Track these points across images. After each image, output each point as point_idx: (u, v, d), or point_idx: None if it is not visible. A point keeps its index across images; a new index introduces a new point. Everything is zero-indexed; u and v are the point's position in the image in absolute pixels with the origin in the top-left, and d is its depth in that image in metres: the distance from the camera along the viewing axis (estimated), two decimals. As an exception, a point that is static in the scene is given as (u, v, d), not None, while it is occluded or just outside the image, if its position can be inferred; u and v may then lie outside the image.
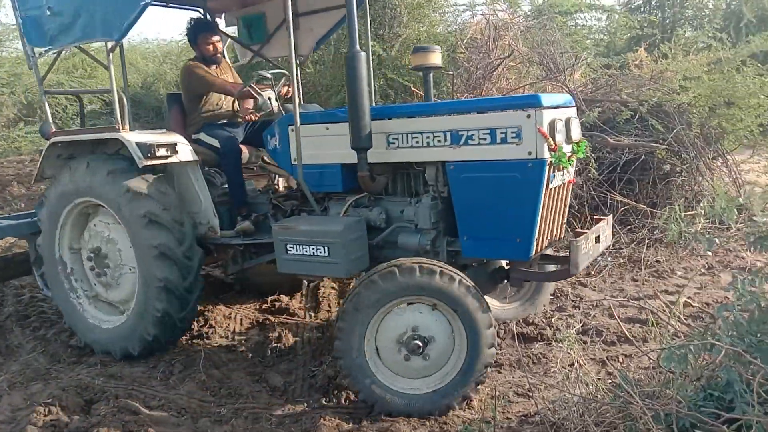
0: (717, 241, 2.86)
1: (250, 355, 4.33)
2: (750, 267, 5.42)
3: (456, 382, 3.28)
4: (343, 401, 3.55)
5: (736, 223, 4.07)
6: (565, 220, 3.80)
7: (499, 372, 3.93)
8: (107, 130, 4.29)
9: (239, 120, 4.88)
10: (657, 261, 5.80)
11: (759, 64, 7.44)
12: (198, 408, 3.55)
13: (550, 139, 3.22)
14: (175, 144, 4.24)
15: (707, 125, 6.93)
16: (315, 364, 4.01)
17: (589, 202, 6.37)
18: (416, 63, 4.01)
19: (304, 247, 3.72)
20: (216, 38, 4.84)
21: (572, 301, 4.95)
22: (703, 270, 5.64)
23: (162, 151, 4.11)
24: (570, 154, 3.46)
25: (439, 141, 3.52)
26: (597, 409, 2.68)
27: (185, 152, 4.29)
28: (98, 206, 4.39)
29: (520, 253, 3.40)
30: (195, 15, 5.38)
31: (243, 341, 4.56)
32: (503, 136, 3.30)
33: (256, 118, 4.63)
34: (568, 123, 3.43)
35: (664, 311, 3.28)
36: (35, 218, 4.94)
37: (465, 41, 8.63)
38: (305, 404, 3.56)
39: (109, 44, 4.13)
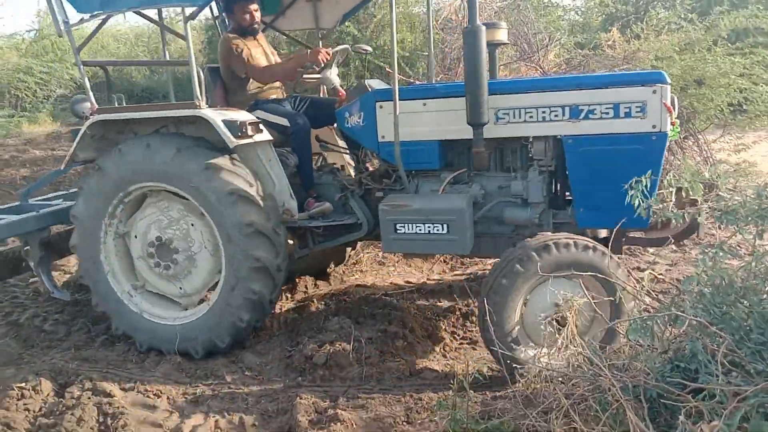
0: (686, 216, 2.91)
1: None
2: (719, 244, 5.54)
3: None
4: (318, 381, 3.57)
5: (706, 202, 4.17)
6: None
7: (474, 349, 3.99)
8: (182, 107, 3.95)
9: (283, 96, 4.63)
10: (621, 246, 5.87)
11: (729, 44, 7.55)
12: (174, 389, 3.54)
13: (672, 114, 3.38)
14: (258, 123, 4.01)
15: (679, 105, 7.02)
16: (291, 345, 4.02)
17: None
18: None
19: (418, 225, 3.68)
20: (254, 6, 4.40)
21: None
22: (674, 247, 5.74)
23: (250, 130, 3.87)
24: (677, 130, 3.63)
25: (555, 116, 3.59)
26: (567, 382, 2.73)
27: (265, 131, 4.06)
28: (150, 193, 4.07)
29: (641, 221, 3.37)
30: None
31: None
32: (627, 110, 3.43)
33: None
34: (674, 100, 3.53)
35: (634, 286, 3.37)
36: (33, 211, 4.51)
37: (440, 22, 8.61)
38: (281, 384, 3.58)
39: (188, 11, 3.77)
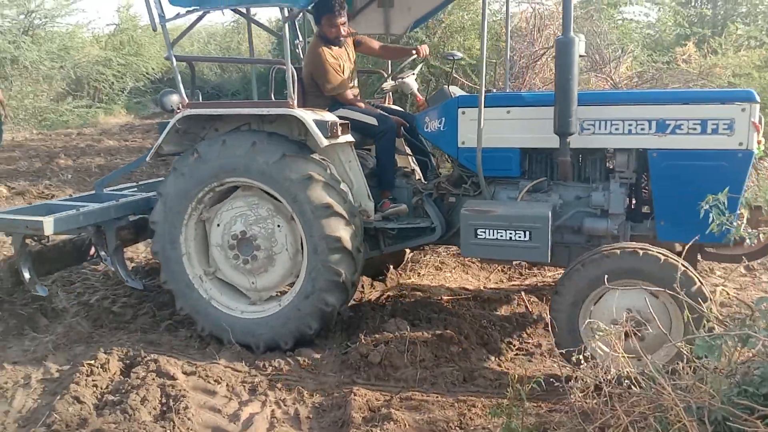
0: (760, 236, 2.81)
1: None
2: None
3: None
4: (373, 379, 3.61)
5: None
6: None
7: (530, 360, 3.94)
8: (274, 104, 4.08)
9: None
10: (697, 260, 5.69)
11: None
12: (233, 377, 3.64)
13: (760, 132, 3.42)
14: (347, 123, 4.08)
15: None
16: (347, 342, 4.08)
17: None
18: None
19: (500, 231, 3.71)
20: (341, 20, 4.43)
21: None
22: (743, 271, 5.53)
23: (339, 130, 3.95)
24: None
25: (642, 129, 3.65)
26: (628, 399, 2.67)
27: (348, 132, 4.13)
28: (238, 187, 4.16)
29: (720, 237, 3.29)
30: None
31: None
32: (714, 127, 3.48)
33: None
34: (761, 119, 3.57)
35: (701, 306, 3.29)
36: (112, 202, 4.62)
37: (510, 30, 8.55)
38: (336, 379, 3.63)
39: (288, 10, 3.89)
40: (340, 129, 3.94)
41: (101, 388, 3.46)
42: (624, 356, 2.93)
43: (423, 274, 5.47)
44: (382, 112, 4.47)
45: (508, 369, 3.80)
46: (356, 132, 4.27)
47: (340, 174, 4.09)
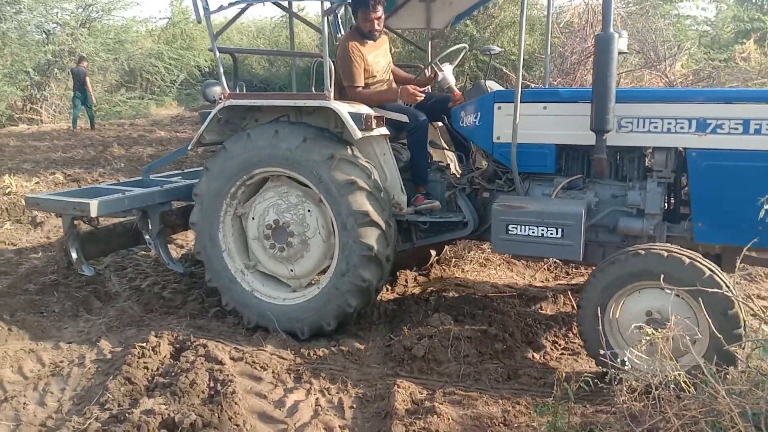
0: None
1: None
2: None
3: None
4: (416, 372, 3.61)
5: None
6: None
7: (576, 360, 3.88)
8: (312, 97, 4.16)
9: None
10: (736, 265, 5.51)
11: None
12: (278, 364, 3.70)
13: None
14: (381, 117, 4.11)
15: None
16: (391, 334, 4.09)
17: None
18: None
19: (531, 228, 3.70)
20: (377, 14, 4.37)
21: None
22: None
23: (374, 123, 4.00)
24: None
25: (681, 128, 3.58)
26: (678, 402, 2.61)
27: (383, 126, 4.17)
28: (272, 178, 4.26)
29: (763, 240, 3.28)
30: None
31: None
32: (758, 127, 3.41)
33: (421, 99, 4.36)
34: None
35: (759, 313, 3.18)
36: (156, 186, 4.84)
37: (561, 25, 8.42)
38: (380, 371, 3.65)
39: (326, 5, 3.94)
40: (374, 122, 3.97)
41: (152, 370, 3.56)
42: (672, 358, 2.87)
43: (467, 270, 5.45)
44: (412, 108, 4.41)
45: (553, 368, 3.76)
46: (390, 127, 4.28)
47: (375, 166, 4.14)
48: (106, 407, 3.14)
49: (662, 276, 3.09)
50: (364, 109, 4.04)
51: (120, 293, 5.04)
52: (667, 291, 3.10)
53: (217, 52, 4.34)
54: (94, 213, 4.34)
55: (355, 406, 3.31)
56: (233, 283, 4.36)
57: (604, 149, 3.62)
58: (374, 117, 3.97)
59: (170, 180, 5.25)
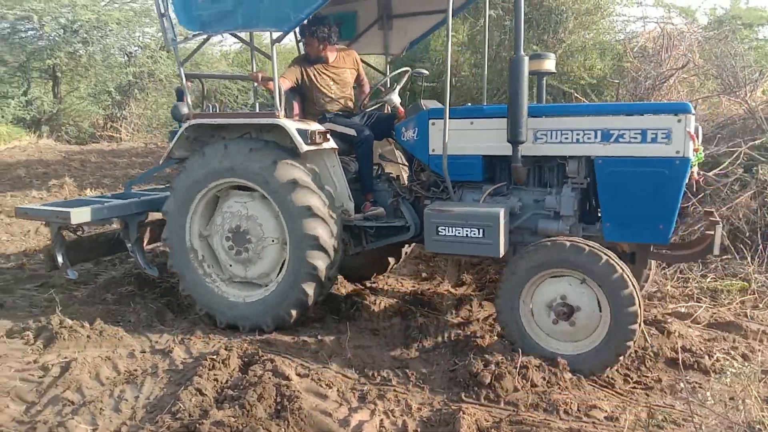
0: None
1: (394, 341, 4.46)
2: None
3: (597, 351, 3.72)
4: (482, 399, 3.55)
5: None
6: None
7: (647, 395, 3.73)
8: (263, 116, 4.54)
9: (354, 112, 5.22)
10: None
11: None
12: (343, 383, 3.72)
13: (695, 140, 3.75)
14: (326, 132, 4.56)
15: None
16: (456, 359, 4.04)
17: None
18: (532, 68, 4.28)
19: (457, 228, 4.08)
20: (318, 45, 4.96)
21: (736, 330, 4.57)
22: None
23: (318, 138, 4.44)
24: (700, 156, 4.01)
25: (588, 138, 3.99)
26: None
27: (331, 140, 4.63)
28: (230, 189, 4.70)
29: (662, 237, 3.89)
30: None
31: (387, 327, 4.70)
32: (654, 136, 3.80)
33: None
34: (698, 129, 3.90)
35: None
36: (134, 197, 5.30)
37: (635, 50, 8.24)
38: (445, 396, 3.61)
39: (275, 35, 4.33)
40: (319, 137, 4.43)
41: (221, 383, 3.64)
42: (759, 401, 2.72)
43: (534, 297, 5.33)
44: (359, 123, 4.97)
45: (623, 402, 3.62)
46: (341, 141, 4.81)
47: (324, 177, 4.60)
48: (177, 417, 3.23)
49: (567, 264, 3.67)
50: (314, 126, 4.52)
51: (192, 307, 5.19)
52: (576, 278, 3.70)
53: (184, 78, 4.82)
54: (74, 221, 4.80)
55: (419, 430, 3.27)
56: (192, 272, 4.79)
57: (519, 158, 4.05)
58: (319, 132, 4.42)
59: (149, 193, 5.73)
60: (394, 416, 3.38)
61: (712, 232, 3.94)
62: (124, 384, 3.73)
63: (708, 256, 4.19)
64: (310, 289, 4.40)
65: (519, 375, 3.64)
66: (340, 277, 5.46)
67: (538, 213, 4.30)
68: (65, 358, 4.07)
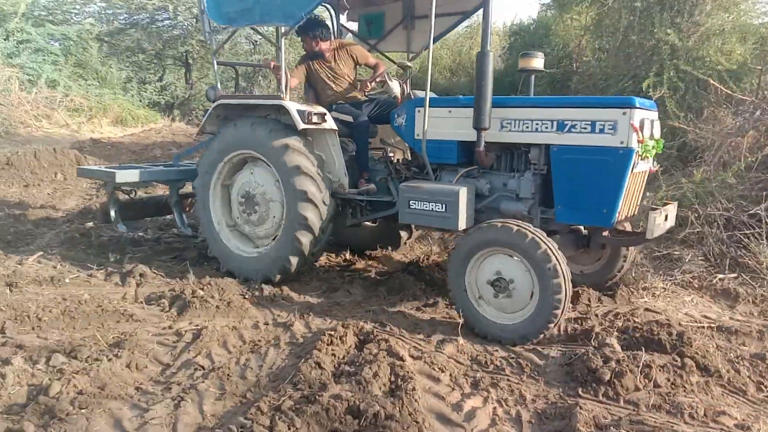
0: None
1: (506, 331, 4.42)
2: None
3: (531, 320, 4.04)
4: (600, 396, 3.44)
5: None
6: (639, 201, 4.61)
7: None
8: (272, 97, 5.20)
9: (361, 100, 5.86)
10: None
11: None
12: (456, 368, 3.74)
13: (639, 133, 4.03)
14: (324, 114, 5.16)
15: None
16: (572, 353, 3.94)
17: None
18: (522, 66, 4.83)
19: (425, 203, 4.59)
20: (312, 42, 5.61)
21: None
22: None
23: (315, 118, 5.04)
24: (652, 148, 4.31)
25: (546, 127, 4.36)
26: None
27: (330, 121, 5.20)
28: (248, 160, 5.43)
29: (605, 221, 4.25)
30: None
31: (500, 317, 4.66)
32: (602, 127, 4.13)
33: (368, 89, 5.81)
34: (652, 123, 4.27)
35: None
36: (180, 166, 6.28)
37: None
38: (560, 389, 3.53)
39: (283, 29, 5.06)
40: (315, 117, 5.02)
41: (338, 358, 3.77)
42: None
43: (657, 296, 5.09)
44: (358, 111, 5.56)
45: (756, 411, 3.38)
46: (344, 125, 5.46)
47: (326, 154, 5.25)
48: (298, 387, 3.38)
49: (500, 243, 4.09)
50: (311, 108, 5.09)
51: (312, 283, 5.44)
52: (510, 256, 4.10)
53: (215, 65, 5.88)
54: (119, 180, 5.83)
55: (533, 421, 3.24)
56: (216, 237, 5.64)
57: (483, 144, 4.48)
58: (316, 113, 5.04)
59: (191, 164, 6.53)
60: (507, 405, 3.36)
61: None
62: (249, 353, 3.96)
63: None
64: (304, 238, 5.04)
65: (641, 374, 3.49)
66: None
67: (503, 195, 4.75)
68: (197, 325, 4.38)
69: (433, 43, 6.12)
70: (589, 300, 4.95)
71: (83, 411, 3.16)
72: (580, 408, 3.20)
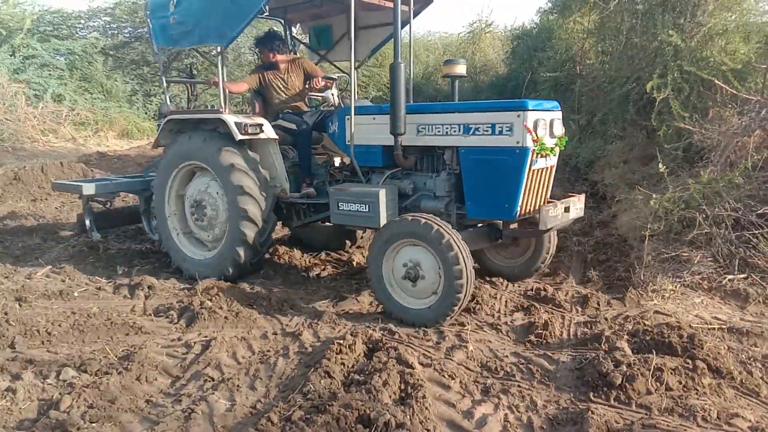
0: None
1: (515, 336, 4.40)
2: None
3: (438, 304, 4.42)
4: (611, 400, 3.41)
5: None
6: (547, 196, 4.97)
7: None
8: (213, 112, 5.66)
9: (305, 110, 6.35)
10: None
11: None
12: (466, 375, 3.72)
13: (534, 133, 4.41)
14: (262, 125, 5.56)
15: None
16: (582, 357, 3.92)
17: None
18: (445, 72, 5.32)
19: (351, 204, 5.01)
20: (270, 54, 6.17)
21: None
22: None
23: (251, 129, 5.44)
24: (554, 146, 4.71)
25: (455, 131, 4.78)
26: None
27: (269, 131, 5.61)
28: (199, 168, 5.84)
29: (508, 215, 4.65)
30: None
31: (508, 323, 4.65)
32: (500, 129, 4.53)
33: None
34: (551, 123, 4.63)
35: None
36: (145, 178, 6.70)
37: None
38: (572, 394, 3.51)
39: (218, 48, 5.56)
40: (251, 128, 5.43)
41: (348, 366, 3.76)
42: None
43: (667, 298, 5.05)
44: (301, 119, 6.00)
45: (771, 413, 3.35)
46: (288, 134, 5.96)
47: (269, 161, 5.70)
48: (308, 397, 3.37)
49: (411, 234, 4.48)
50: (248, 120, 5.48)
51: (318, 290, 5.44)
52: (420, 246, 4.47)
53: (164, 82, 6.56)
54: (85, 193, 6.44)
55: (545, 427, 3.22)
56: (168, 237, 6.19)
57: (400, 147, 4.92)
58: (251, 125, 5.44)
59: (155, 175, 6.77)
60: (518, 411, 3.34)
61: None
62: (259, 363, 3.96)
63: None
64: (247, 229, 5.45)
65: (652, 377, 3.47)
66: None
67: (424, 194, 5.19)
68: (205, 336, 4.39)
69: (372, 53, 6.86)
70: (599, 304, 4.93)
71: (94, 425, 3.17)
72: (592, 413, 3.18)
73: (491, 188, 4.62)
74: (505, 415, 3.30)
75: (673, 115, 7.31)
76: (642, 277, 5.29)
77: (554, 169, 4.96)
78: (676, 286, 5.19)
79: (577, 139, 11.47)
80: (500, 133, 4.51)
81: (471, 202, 4.79)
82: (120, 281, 5.73)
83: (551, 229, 4.78)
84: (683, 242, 5.60)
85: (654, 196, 5.81)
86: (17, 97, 13.87)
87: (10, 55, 15.25)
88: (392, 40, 6.37)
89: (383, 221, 4.85)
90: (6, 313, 4.75)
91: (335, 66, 7.29)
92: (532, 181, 4.62)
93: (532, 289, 5.35)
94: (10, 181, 10.40)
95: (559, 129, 4.72)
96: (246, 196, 5.42)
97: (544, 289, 5.27)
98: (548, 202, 4.78)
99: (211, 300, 4.95)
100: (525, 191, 4.57)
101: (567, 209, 4.78)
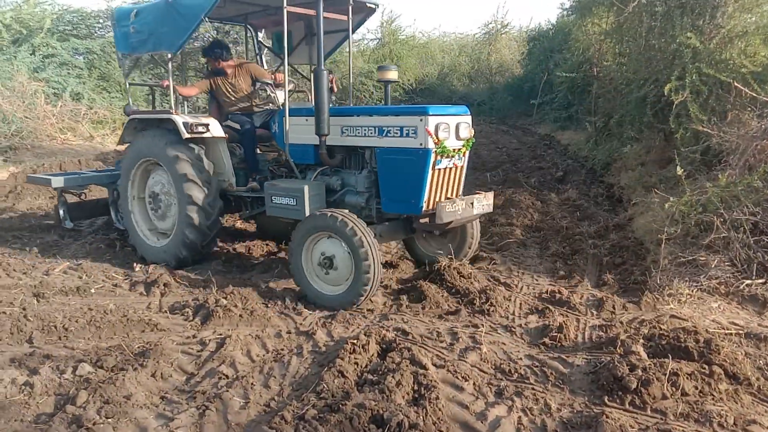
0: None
1: (529, 338, 4.38)
2: None
3: (350, 290, 4.91)
4: (626, 404, 3.39)
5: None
6: (458, 193, 5.46)
7: None
8: (165, 112, 6.21)
9: (256, 110, 6.78)
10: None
11: None
12: (479, 377, 3.71)
13: (434, 136, 4.89)
14: (209, 124, 6.10)
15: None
16: (597, 361, 3.89)
17: None
18: (379, 77, 5.81)
19: (282, 198, 5.52)
20: (215, 62, 6.63)
21: None
22: None
23: (199, 129, 5.98)
24: (460, 147, 5.21)
25: (372, 133, 5.27)
26: None
27: (216, 130, 6.16)
28: (156, 164, 6.34)
29: (414, 209, 5.14)
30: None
31: (522, 325, 4.63)
32: (407, 132, 5.02)
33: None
34: (457, 127, 5.10)
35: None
36: (114, 171, 7.20)
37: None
38: (586, 398, 3.49)
39: (169, 54, 6.08)
40: (199, 127, 5.99)
41: (361, 366, 3.77)
42: None
43: (683, 302, 5.01)
44: (247, 120, 6.51)
45: (789, 420, 3.30)
46: (236, 132, 6.44)
47: (218, 158, 6.25)
48: (321, 396, 3.39)
49: (325, 227, 4.96)
50: (196, 120, 6.04)
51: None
52: (335, 238, 4.95)
53: (128, 86, 7.22)
54: (54, 186, 6.95)
55: (559, 430, 3.20)
56: (138, 238, 6.63)
57: (324, 147, 5.40)
58: (198, 124, 6.00)
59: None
60: (532, 414, 3.33)
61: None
62: (273, 362, 3.98)
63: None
64: (193, 213, 5.92)
65: (668, 382, 3.44)
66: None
67: (349, 189, 5.67)
68: (220, 334, 4.42)
69: (326, 58, 6.99)
70: (614, 307, 4.90)
71: (110, 420, 3.20)
72: (606, 417, 3.16)
73: (400, 185, 5.10)
74: (519, 417, 3.29)
75: (691, 118, 7.24)
76: (658, 281, 5.25)
77: (462, 169, 5.40)
78: (692, 291, 5.14)
79: (594, 141, 11.40)
80: (407, 135, 5.00)
81: (385, 197, 5.30)
82: (136, 278, 5.78)
83: (451, 223, 5.18)
84: (700, 246, 5.55)
85: (671, 199, 5.77)
86: (36, 96, 14.01)
87: (30, 54, 15.41)
88: (340, 47, 7.37)
89: (308, 213, 5.25)
90: (24, 309, 4.81)
91: (294, 68, 7.71)
92: (436, 179, 5.08)
93: (546, 292, 5.32)
94: (29, 178, 10.52)
95: (465, 132, 5.17)
96: (190, 183, 5.92)
97: (559, 292, 5.24)
98: (447, 199, 5.22)
99: (226, 298, 4.97)
100: (430, 188, 5.04)
101: (471, 204, 5.25)
